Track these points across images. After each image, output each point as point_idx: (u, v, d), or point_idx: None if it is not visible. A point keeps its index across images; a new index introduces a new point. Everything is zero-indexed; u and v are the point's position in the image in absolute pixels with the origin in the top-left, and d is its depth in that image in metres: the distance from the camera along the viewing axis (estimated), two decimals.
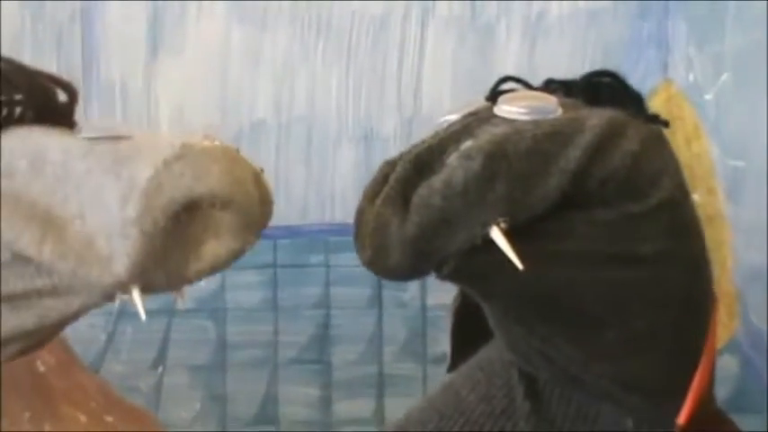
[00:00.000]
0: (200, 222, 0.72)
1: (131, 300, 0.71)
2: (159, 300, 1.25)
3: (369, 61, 1.26)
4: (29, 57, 1.19)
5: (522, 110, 0.77)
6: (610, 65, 0.86)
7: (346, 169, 1.25)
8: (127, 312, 1.24)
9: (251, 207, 0.73)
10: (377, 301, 1.26)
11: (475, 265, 0.73)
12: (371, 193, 0.76)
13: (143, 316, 0.71)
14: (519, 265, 0.71)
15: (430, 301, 1.24)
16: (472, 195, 0.71)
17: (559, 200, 0.72)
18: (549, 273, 0.74)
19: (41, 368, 0.85)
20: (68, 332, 1.15)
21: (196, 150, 0.71)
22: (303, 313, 1.26)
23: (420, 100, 1.26)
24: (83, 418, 0.85)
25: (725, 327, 1.09)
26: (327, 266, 1.25)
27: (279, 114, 1.26)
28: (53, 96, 0.77)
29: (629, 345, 0.78)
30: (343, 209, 1.23)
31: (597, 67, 0.85)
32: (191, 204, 0.70)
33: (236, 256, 0.74)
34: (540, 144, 0.73)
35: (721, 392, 1.22)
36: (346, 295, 1.26)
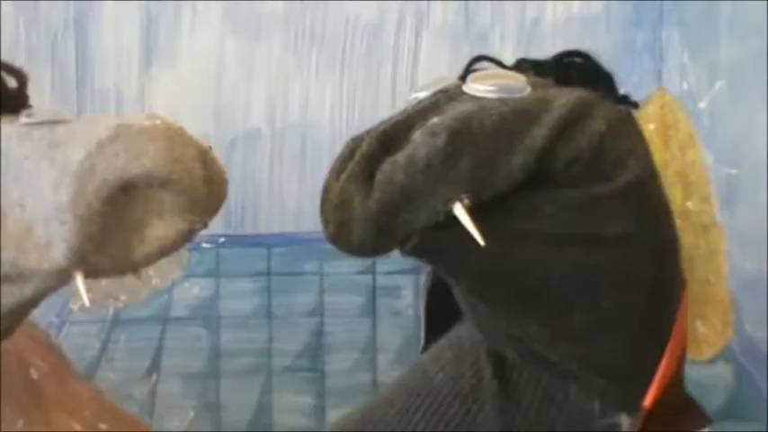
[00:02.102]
0: (141, 204, 0.71)
1: (76, 286, 0.70)
2: (153, 307, 1.25)
3: (363, 70, 1.26)
4: (23, 67, 1.20)
5: (490, 88, 0.76)
6: None
7: None
8: (121, 320, 1.24)
9: (193, 186, 0.71)
10: (371, 309, 1.26)
11: (438, 242, 0.73)
12: (337, 170, 0.75)
13: (86, 302, 0.70)
14: (481, 242, 0.70)
15: None
16: (435, 172, 0.71)
17: (524, 179, 0.72)
18: (514, 252, 0.74)
19: (35, 375, 0.85)
20: (62, 340, 1.15)
21: (132, 130, 0.70)
22: (297, 321, 1.26)
23: None
24: (76, 426, 0.85)
25: (719, 335, 1.08)
26: (321, 274, 1.25)
27: (273, 123, 1.26)
28: (1, 82, 0.76)
29: (596, 326, 0.78)
30: None
31: None
32: (127, 186, 0.69)
33: (184, 237, 0.73)
34: (505, 122, 0.72)
35: (716, 401, 1.22)
36: (340, 303, 1.26)
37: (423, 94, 0.80)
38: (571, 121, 0.74)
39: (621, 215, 0.75)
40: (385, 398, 0.90)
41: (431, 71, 1.25)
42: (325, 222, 0.75)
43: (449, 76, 0.82)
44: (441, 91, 0.79)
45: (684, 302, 0.81)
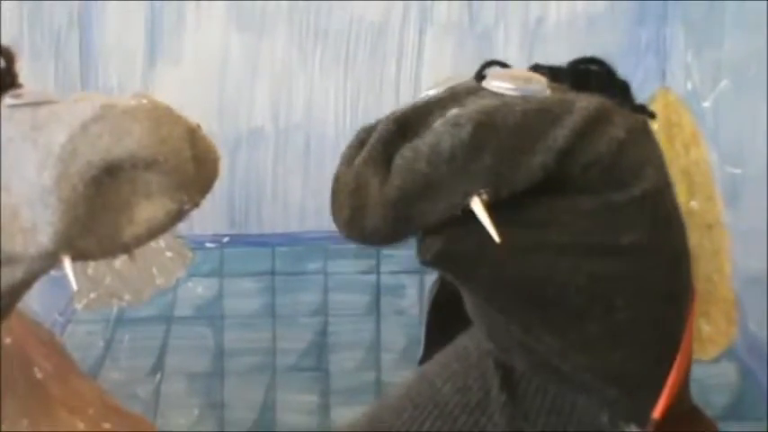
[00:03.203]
0: (128, 185, 0.70)
1: (63, 269, 0.69)
2: (157, 307, 1.25)
3: (367, 68, 1.26)
4: (27, 63, 1.20)
5: (513, 86, 0.76)
6: None
7: None
8: (125, 320, 1.24)
9: (180, 166, 0.70)
10: (375, 308, 1.26)
11: (458, 251, 0.73)
12: (349, 158, 0.75)
13: (74, 286, 0.70)
14: (496, 237, 0.70)
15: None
16: (458, 163, 0.71)
17: (542, 178, 0.72)
18: (530, 261, 0.74)
19: (39, 374, 0.85)
20: (66, 339, 1.15)
21: (117, 111, 0.69)
22: (301, 320, 1.26)
23: None
24: (80, 425, 0.85)
25: (723, 334, 1.08)
26: (325, 274, 1.25)
27: (277, 121, 1.26)
28: None
29: (609, 337, 0.78)
30: None
31: None
32: (111, 167, 0.69)
33: (174, 218, 0.72)
34: (529, 119, 0.72)
35: (720, 400, 1.22)
36: (344, 302, 1.26)
37: (433, 92, 0.80)
38: (592, 125, 0.74)
39: (637, 225, 0.75)
40: (392, 408, 0.90)
41: (435, 69, 1.25)
42: (339, 209, 0.73)
43: (457, 76, 0.82)
44: (453, 87, 0.79)
45: (693, 313, 0.81)
